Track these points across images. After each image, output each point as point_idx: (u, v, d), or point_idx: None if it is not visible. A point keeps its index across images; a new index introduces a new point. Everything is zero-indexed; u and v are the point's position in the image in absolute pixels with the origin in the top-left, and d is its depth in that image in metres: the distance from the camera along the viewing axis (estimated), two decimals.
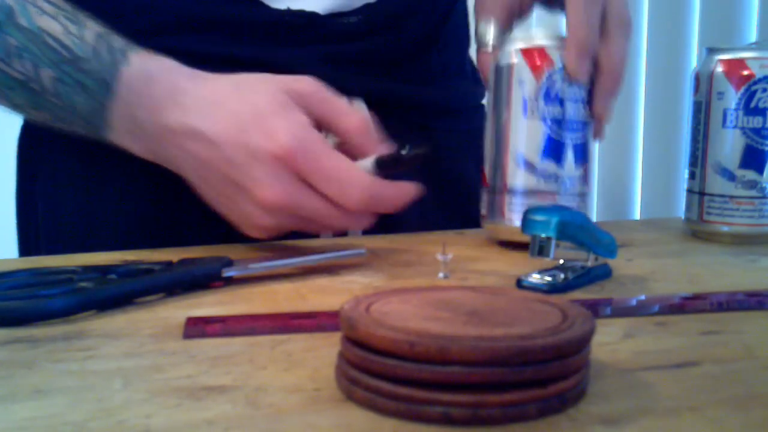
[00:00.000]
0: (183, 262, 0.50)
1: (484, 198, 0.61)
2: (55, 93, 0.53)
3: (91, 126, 0.55)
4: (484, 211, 0.61)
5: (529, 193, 0.58)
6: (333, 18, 0.64)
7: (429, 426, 0.29)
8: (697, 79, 0.63)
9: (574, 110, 0.58)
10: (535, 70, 0.57)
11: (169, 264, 0.49)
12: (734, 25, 1.45)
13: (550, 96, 0.57)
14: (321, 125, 0.53)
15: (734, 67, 0.60)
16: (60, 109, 0.54)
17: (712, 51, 0.62)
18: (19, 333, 0.40)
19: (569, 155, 0.57)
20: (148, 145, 0.55)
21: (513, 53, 0.58)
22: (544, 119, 0.57)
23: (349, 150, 0.53)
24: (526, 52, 0.57)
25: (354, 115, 0.53)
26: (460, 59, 0.76)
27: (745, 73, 0.60)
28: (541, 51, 0.57)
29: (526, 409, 0.29)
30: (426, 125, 0.71)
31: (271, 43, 0.63)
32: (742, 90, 0.60)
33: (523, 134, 0.58)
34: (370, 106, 0.66)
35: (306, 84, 0.53)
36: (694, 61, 1.50)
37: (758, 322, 0.42)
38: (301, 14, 0.63)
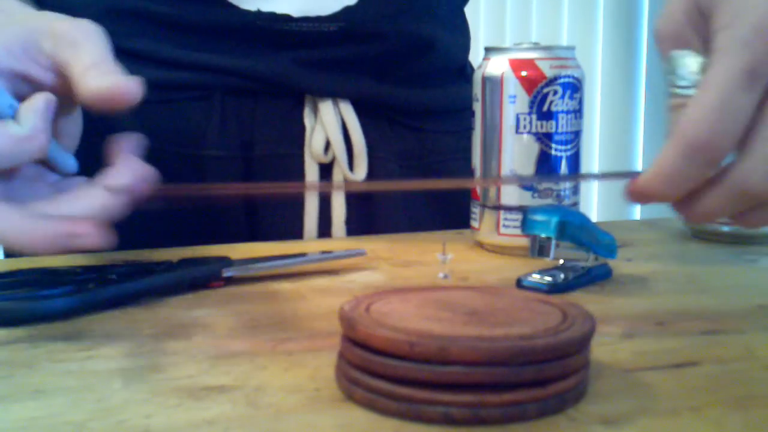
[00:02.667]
0: (183, 262, 0.50)
1: (476, 212, 0.59)
2: None
3: None
4: (476, 224, 0.59)
5: (523, 208, 0.56)
6: (309, 23, 0.62)
7: (429, 426, 0.29)
8: None
9: (566, 122, 0.55)
10: (525, 84, 0.54)
11: (169, 264, 0.49)
12: None
13: (542, 110, 0.55)
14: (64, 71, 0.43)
15: None
16: None
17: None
18: (19, 333, 0.40)
19: (563, 168, 0.56)
20: None
21: (502, 65, 0.55)
22: (536, 135, 0.55)
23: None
24: (516, 65, 0.55)
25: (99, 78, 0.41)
26: (460, 63, 0.75)
27: None
28: (531, 63, 0.55)
29: (526, 409, 0.29)
30: (417, 127, 0.70)
31: (244, 48, 0.61)
32: None
33: (515, 151, 0.56)
34: (359, 108, 0.65)
35: (72, 25, 0.44)
36: None
37: (758, 322, 0.42)
38: (273, 17, 0.61)
